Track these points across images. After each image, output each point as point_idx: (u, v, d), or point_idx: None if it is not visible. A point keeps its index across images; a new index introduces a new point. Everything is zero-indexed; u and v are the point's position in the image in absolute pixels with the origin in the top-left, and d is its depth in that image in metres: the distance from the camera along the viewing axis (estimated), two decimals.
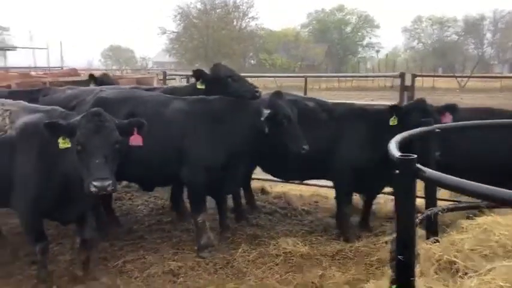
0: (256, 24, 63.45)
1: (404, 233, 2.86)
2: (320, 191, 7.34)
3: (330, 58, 68.34)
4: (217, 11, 60.19)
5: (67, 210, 4.28)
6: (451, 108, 5.32)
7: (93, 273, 4.64)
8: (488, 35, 69.90)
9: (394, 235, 2.96)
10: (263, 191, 7.33)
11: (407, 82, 6.52)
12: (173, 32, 60.37)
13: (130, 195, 7.32)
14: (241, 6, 60.86)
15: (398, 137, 3.61)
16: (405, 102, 6.26)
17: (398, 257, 2.83)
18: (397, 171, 2.80)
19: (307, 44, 66.02)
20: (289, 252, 5.02)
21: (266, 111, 4.81)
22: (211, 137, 4.99)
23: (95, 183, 3.64)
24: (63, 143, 3.85)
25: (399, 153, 2.87)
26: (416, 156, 2.76)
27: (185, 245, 5.35)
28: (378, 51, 73.11)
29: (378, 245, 5.14)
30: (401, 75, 6.42)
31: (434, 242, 3.84)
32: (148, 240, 5.55)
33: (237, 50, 59.12)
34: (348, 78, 38.58)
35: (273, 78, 29.77)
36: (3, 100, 4.96)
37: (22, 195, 4.15)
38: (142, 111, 4.98)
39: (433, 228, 4.19)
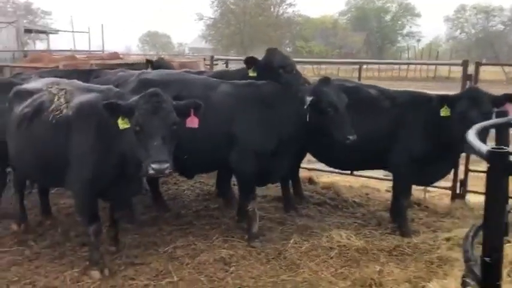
0: (293, 11, 62.77)
1: (493, 233, 2.61)
2: (369, 182, 7.09)
3: (368, 46, 66.87)
4: None
5: (121, 190, 4.25)
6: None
7: (143, 257, 4.60)
8: None
9: (468, 232, 2.72)
10: (310, 180, 7.14)
11: (470, 71, 6.12)
12: (210, 18, 60.38)
13: (175, 179, 7.26)
14: None
15: (476, 128, 3.35)
16: None
17: (485, 259, 2.61)
18: (488, 166, 2.56)
19: (345, 32, 64.77)
20: (344, 245, 4.82)
21: (309, 99, 4.56)
22: (261, 122, 4.83)
23: (153, 165, 3.58)
24: (122, 124, 3.79)
25: (490, 146, 2.62)
26: (508, 149, 2.51)
27: (234, 232, 5.23)
28: (418, 41, 70.93)
29: (438, 242, 4.90)
30: (464, 64, 6.03)
31: (506, 243, 3.57)
32: (196, 226, 5.46)
33: (273, 37, 58.55)
34: (389, 67, 37.35)
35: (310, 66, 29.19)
36: (58, 79, 4.96)
37: (78, 175, 4.12)
38: (188, 94, 4.80)
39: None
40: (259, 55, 5.72)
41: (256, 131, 4.82)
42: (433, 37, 75.22)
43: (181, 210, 5.99)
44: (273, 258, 4.66)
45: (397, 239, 5.04)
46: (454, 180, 6.21)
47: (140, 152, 3.70)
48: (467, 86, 5.87)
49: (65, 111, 4.26)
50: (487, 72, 31.67)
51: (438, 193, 6.40)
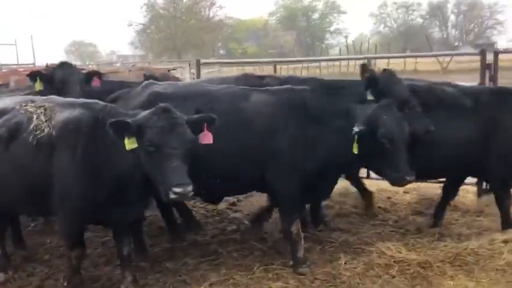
0: (224, 13, 62.35)
1: None
2: (381, 184, 6.69)
3: (299, 45, 67.91)
4: (185, 0, 58.62)
5: (118, 216, 3.82)
6: None
7: None
8: (452, 18, 71.34)
9: None
10: None
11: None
12: (140, 24, 58.50)
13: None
14: None
15: None
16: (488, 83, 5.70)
17: None
18: None
19: (276, 32, 65.40)
20: (401, 260, 4.35)
21: (357, 128, 3.90)
22: (305, 135, 4.22)
23: (176, 189, 3.26)
24: (129, 144, 3.41)
25: None
26: None
27: (272, 258, 4.61)
28: (346, 37, 73.09)
29: (496, 245, 4.54)
30: (482, 52, 5.81)
31: None
32: (224, 254, 4.76)
33: (206, 40, 57.95)
34: (322, 64, 36.92)
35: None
36: (31, 97, 4.35)
37: (63, 200, 3.71)
38: (216, 107, 4.15)
39: None
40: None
41: (301, 147, 4.20)
42: (358, 33, 78.08)
43: (198, 237, 5.25)
44: (331, 286, 4.09)
45: (451, 245, 4.62)
46: None
47: (156, 174, 3.38)
48: (486, 75, 5.63)
49: (46, 130, 3.78)
50: (424, 64, 32.89)
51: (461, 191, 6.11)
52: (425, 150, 4.42)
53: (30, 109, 3.98)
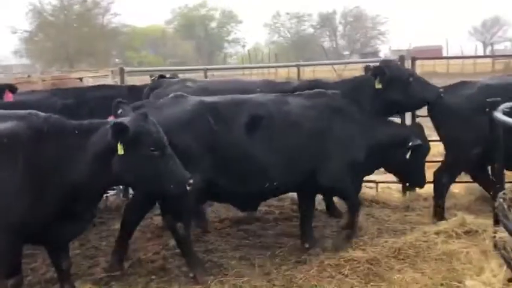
0: (119, 21, 60.22)
1: None
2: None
3: (199, 54, 67.87)
4: (75, 7, 55.63)
5: (63, 230, 3.65)
6: None
7: None
8: (340, 28, 76.14)
9: None
10: None
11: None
12: (26, 31, 54.31)
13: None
14: (101, 2, 57.08)
15: None
16: None
17: None
18: None
19: (175, 41, 64.74)
20: (350, 259, 4.50)
21: (415, 142, 4.75)
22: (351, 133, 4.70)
23: (191, 180, 3.60)
24: (121, 149, 3.42)
25: None
26: None
27: (225, 270, 4.53)
28: (243, 46, 74.72)
29: (429, 237, 4.89)
30: (401, 59, 6.31)
31: None
32: (173, 269, 4.58)
33: (100, 49, 55.51)
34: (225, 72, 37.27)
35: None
36: None
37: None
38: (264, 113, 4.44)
39: None
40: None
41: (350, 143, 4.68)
42: (254, 42, 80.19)
43: (141, 255, 4.98)
44: None
45: (391, 241, 4.86)
46: None
47: (165, 174, 3.56)
48: None
49: None
50: (320, 71, 34.63)
51: (385, 188, 6.54)
52: None
53: None
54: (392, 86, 4.95)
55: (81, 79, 10.01)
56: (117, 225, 5.80)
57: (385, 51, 67.59)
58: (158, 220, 5.99)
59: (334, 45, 75.12)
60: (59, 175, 3.45)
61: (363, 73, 5.73)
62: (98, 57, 54.27)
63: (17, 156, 3.39)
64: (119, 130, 3.38)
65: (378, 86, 5.03)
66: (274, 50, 72.47)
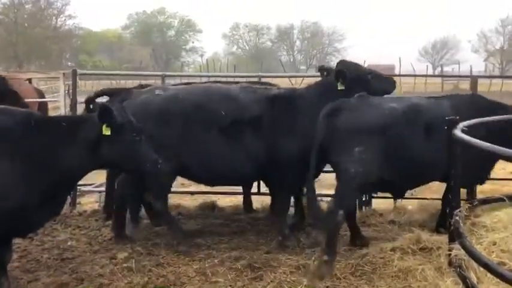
0: (74, 23, 58.56)
1: None
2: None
3: (155, 61, 66.90)
4: (27, 6, 53.64)
5: (42, 218, 4.00)
6: None
7: None
8: (298, 43, 77.44)
9: None
10: None
11: None
12: None
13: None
14: (55, 3, 55.39)
15: None
16: None
17: None
18: None
19: (131, 46, 63.58)
20: None
21: None
22: None
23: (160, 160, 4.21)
24: (106, 130, 3.93)
25: None
26: None
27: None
28: (201, 56, 74.35)
29: (386, 253, 4.84)
30: None
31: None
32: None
33: (53, 50, 53.77)
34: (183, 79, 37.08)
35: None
36: None
37: None
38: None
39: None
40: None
41: None
42: (212, 52, 79.97)
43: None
44: None
45: (349, 257, 4.85)
46: None
47: (142, 156, 4.13)
48: None
49: None
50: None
51: None
52: None
53: None
54: (353, 85, 5.08)
55: (30, 80, 9.52)
56: (62, 237, 5.53)
57: None
58: (106, 232, 5.71)
59: (292, 60, 76.27)
60: (50, 162, 3.80)
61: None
62: (49, 60, 52.57)
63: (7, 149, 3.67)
64: (104, 111, 3.91)
65: (341, 87, 5.16)
66: (232, 61, 72.81)
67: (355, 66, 5.47)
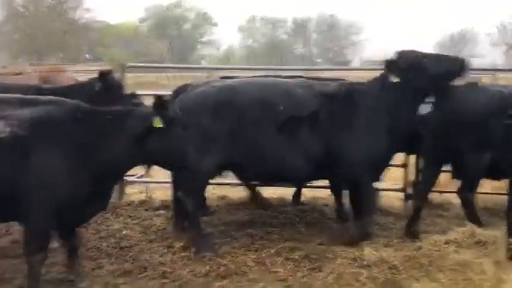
0: (91, 16, 58.84)
1: None
2: None
3: (172, 54, 67.06)
4: (47, 0, 54.04)
5: (90, 210, 4.09)
6: None
7: None
8: (314, 36, 76.86)
9: None
10: None
11: None
12: None
13: None
14: None
15: None
16: None
17: None
18: None
19: (148, 39, 63.74)
20: (368, 265, 4.47)
21: None
22: None
23: None
24: (157, 123, 3.88)
25: None
26: None
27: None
28: (218, 49, 74.37)
29: (440, 246, 4.90)
30: None
31: None
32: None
33: (71, 44, 54.14)
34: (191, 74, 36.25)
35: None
36: None
37: (40, 202, 3.67)
38: None
39: None
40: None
41: None
42: (227, 45, 79.89)
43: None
44: None
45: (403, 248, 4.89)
46: (405, 180, 6.42)
47: (185, 152, 4.05)
48: None
49: (7, 129, 3.61)
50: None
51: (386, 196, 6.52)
52: None
53: None
54: (410, 76, 4.88)
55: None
56: (116, 226, 5.65)
57: (355, 62, 68.89)
58: (158, 221, 5.82)
59: (307, 53, 75.80)
60: (98, 154, 3.81)
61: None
62: (68, 52, 53.02)
63: (61, 138, 3.74)
64: (160, 103, 3.91)
65: (396, 80, 4.93)
66: (248, 54, 72.70)
67: (408, 54, 5.06)
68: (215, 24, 74.92)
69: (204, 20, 74.20)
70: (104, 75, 5.84)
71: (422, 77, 4.90)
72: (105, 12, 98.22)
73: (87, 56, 62.43)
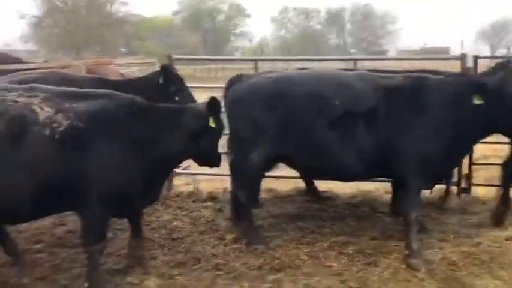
0: (126, 10, 59.76)
1: None
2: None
3: (206, 46, 67.45)
4: None
5: (143, 202, 4.18)
6: None
7: None
8: (348, 26, 75.72)
9: None
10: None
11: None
12: (34, 16, 53.78)
13: None
14: None
15: None
16: None
17: None
18: None
19: (182, 32, 64.27)
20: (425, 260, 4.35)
21: None
22: None
23: None
24: (212, 122, 4.12)
25: None
26: None
27: None
28: (250, 40, 74.35)
29: (501, 242, 4.75)
30: (463, 57, 6.07)
31: None
32: None
33: (107, 37, 55.15)
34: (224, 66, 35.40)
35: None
36: (10, 86, 3.99)
37: (99, 193, 3.71)
38: None
39: None
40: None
41: None
42: (260, 37, 79.70)
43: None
44: None
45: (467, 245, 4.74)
46: (459, 174, 6.21)
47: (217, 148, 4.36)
48: None
49: (65, 122, 3.62)
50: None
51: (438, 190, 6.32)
52: None
53: (20, 99, 3.65)
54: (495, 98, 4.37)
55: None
56: (166, 217, 5.70)
57: (391, 52, 67.43)
58: (207, 213, 5.84)
59: (342, 43, 74.80)
60: (153, 146, 3.92)
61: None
62: (104, 46, 54.02)
63: (120, 131, 3.81)
64: (213, 104, 4.12)
65: (478, 102, 4.39)
66: (281, 45, 72.28)
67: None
68: (248, 16, 74.92)
69: (237, 11, 74.19)
70: (166, 69, 5.91)
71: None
72: (140, 5, 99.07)
73: (122, 49, 63.56)
